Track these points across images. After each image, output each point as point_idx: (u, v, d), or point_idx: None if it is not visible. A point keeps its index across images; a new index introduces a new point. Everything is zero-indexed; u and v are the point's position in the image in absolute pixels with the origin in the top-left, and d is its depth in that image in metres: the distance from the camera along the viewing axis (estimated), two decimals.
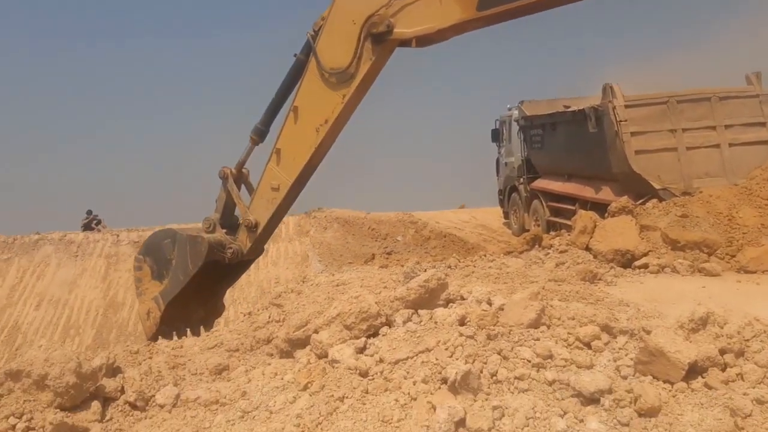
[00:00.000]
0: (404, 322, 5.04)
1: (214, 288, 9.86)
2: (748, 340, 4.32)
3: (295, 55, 8.79)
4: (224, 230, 9.42)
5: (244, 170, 9.64)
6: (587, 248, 10.18)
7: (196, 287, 9.10)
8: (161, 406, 4.89)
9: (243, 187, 9.72)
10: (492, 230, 21.86)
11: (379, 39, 7.92)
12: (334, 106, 8.38)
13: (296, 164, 8.85)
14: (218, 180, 9.63)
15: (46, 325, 16.16)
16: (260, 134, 9.33)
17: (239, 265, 9.90)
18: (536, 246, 12.42)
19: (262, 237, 9.54)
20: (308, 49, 8.56)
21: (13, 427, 4.43)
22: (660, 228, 9.67)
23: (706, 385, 3.95)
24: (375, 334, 5.02)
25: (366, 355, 4.74)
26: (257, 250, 9.81)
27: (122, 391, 4.99)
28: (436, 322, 4.92)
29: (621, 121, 11.62)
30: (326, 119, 8.45)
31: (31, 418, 4.48)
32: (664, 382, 3.99)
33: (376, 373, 4.49)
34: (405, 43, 8.02)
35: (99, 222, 23.10)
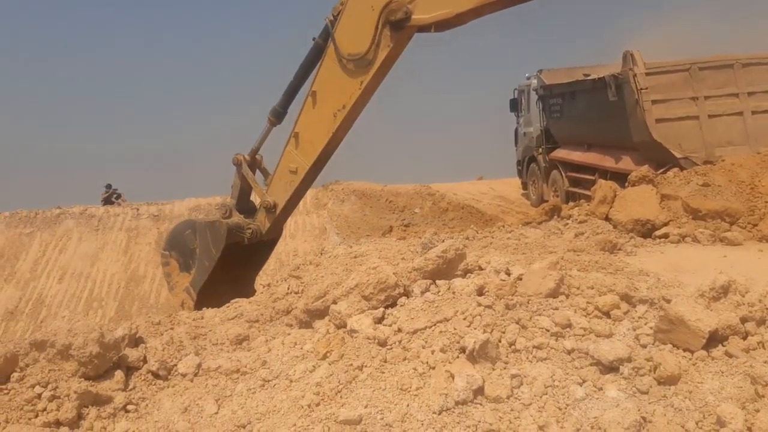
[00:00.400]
0: (422, 293, 5.05)
1: (242, 273, 10.02)
2: None
3: (313, 39, 8.76)
4: (241, 215, 9.53)
5: (257, 156, 9.71)
6: (607, 218, 10.11)
7: (225, 273, 9.26)
8: (183, 375, 4.96)
9: (258, 173, 9.82)
10: (510, 201, 21.76)
11: (398, 26, 7.83)
12: (351, 92, 8.35)
13: (314, 148, 8.88)
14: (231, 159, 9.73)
15: (69, 298, 16.42)
16: (278, 116, 9.38)
17: (263, 247, 10.06)
18: (555, 216, 12.35)
19: (280, 218, 9.64)
20: (326, 34, 8.51)
21: (39, 395, 4.51)
22: (681, 197, 9.56)
23: (727, 354, 3.92)
24: (393, 305, 5.04)
25: (384, 325, 4.76)
26: (276, 230, 9.91)
27: (145, 360, 5.06)
28: (454, 293, 4.92)
29: (642, 89, 11.44)
30: (344, 105, 8.43)
31: (56, 387, 4.56)
32: (684, 350, 3.97)
33: (395, 343, 4.51)
34: (423, 29, 7.93)
35: (119, 196, 23.29)
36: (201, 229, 9.47)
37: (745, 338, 4.05)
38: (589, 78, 14.43)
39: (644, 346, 4.09)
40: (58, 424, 4.40)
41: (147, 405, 4.73)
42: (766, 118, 11.37)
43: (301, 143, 9.00)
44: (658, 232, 9.24)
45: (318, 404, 4.15)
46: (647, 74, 11.53)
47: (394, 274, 5.17)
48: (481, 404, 3.76)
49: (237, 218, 9.45)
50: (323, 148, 8.82)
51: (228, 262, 9.26)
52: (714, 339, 4.00)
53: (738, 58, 11.71)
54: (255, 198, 10.00)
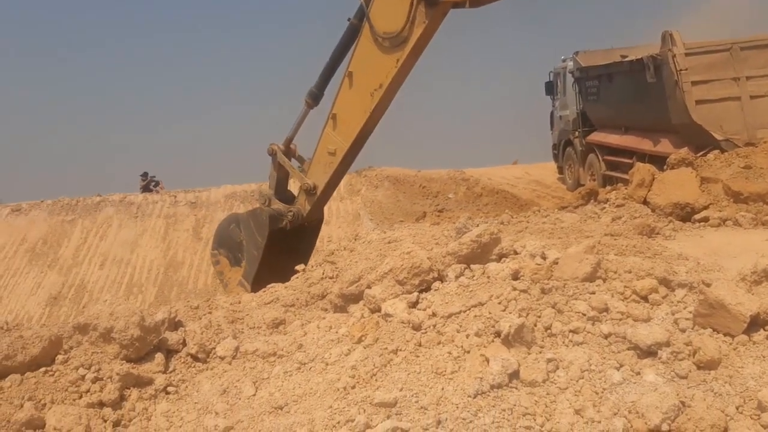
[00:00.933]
0: (456, 277, 5.04)
1: (291, 261, 10.25)
2: None
3: (348, 19, 8.75)
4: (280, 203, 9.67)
5: (292, 146, 9.79)
6: (645, 202, 9.94)
7: (274, 262, 9.36)
8: (221, 358, 5.05)
9: (294, 162, 9.92)
10: (546, 186, 21.53)
11: (432, 2, 7.78)
12: (388, 71, 8.33)
13: (352, 129, 8.91)
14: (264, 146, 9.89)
15: (110, 284, 16.79)
16: (315, 98, 9.43)
17: (308, 234, 10.20)
18: (592, 201, 12.19)
19: (320, 200, 9.71)
20: (361, 14, 8.50)
21: (83, 377, 4.64)
22: (722, 180, 9.36)
23: None
24: (427, 289, 5.04)
25: (418, 309, 4.77)
26: (317, 213, 10.00)
27: (184, 343, 5.16)
28: (488, 277, 4.90)
29: (681, 70, 11.19)
30: (380, 84, 8.42)
31: (99, 369, 4.69)
32: (725, 335, 3.90)
33: (429, 327, 4.52)
34: (458, 4, 7.86)
35: (157, 183, 23.66)
36: (244, 220, 9.70)
37: None
38: (626, 59, 14.15)
39: (683, 331, 4.02)
40: (101, 404, 4.53)
41: (187, 387, 4.83)
42: None
43: (339, 124, 9.03)
44: (697, 216, 9.06)
45: (353, 387, 4.19)
46: (687, 54, 11.28)
47: (428, 258, 5.17)
48: (516, 388, 3.75)
49: (277, 205, 9.57)
50: (361, 129, 8.83)
51: (275, 251, 9.38)
52: (755, 323, 3.92)
53: None
54: (292, 187, 10.12)
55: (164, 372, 4.92)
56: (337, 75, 9.23)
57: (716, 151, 10.54)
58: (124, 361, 4.79)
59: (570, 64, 18.15)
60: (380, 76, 8.40)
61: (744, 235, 8.04)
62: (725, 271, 5.34)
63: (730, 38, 11.52)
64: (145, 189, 23.12)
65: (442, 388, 3.90)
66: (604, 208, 10.36)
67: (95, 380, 4.63)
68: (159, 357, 4.98)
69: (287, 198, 9.90)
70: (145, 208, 19.69)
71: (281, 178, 9.87)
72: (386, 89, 8.41)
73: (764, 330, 3.90)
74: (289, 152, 9.76)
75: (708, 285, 4.34)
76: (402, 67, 8.26)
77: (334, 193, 20.11)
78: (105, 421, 4.40)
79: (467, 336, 4.25)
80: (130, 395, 4.66)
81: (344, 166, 9.37)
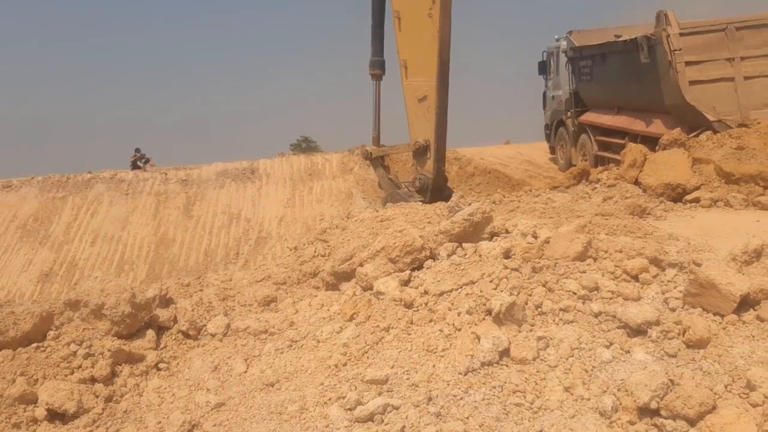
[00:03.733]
0: (448, 255, 5.05)
1: None
2: None
3: None
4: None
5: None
6: (636, 182, 9.95)
7: None
8: (213, 335, 5.06)
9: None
10: (538, 166, 21.49)
11: None
12: None
13: (429, 62, 8.72)
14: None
15: (101, 261, 16.71)
16: (381, 65, 9.31)
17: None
18: (583, 181, 12.20)
19: (438, 155, 9.55)
20: None
21: (74, 353, 4.64)
22: (714, 161, 9.37)
23: (759, 318, 3.86)
24: (419, 267, 5.05)
25: (410, 287, 4.78)
26: (440, 172, 9.82)
27: (175, 320, 5.16)
28: (480, 255, 4.91)
29: (675, 50, 11.13)
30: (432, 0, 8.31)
31: (91, 345, 4.69)
32: (714, 314, 3.92)
33: (421, 305, 4.53)
34: None
35: (147, 161, 23.46)
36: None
37: None
38: (620, 39, 14.06)
39: (673, 310, 4.05)
40: (93, 380, 4.53)
41: (178, 363, 4.84)
42: None
43: (414, 67, 8.85)
44: (688, 197, 9.08)
45: (345, 364, 4.20)
46: (681, 35, 11.21)
47: (420, 237, 5.17)
48: (506, 365, 3.78)
49: (405, 190, 9.57)
50: (438, 55, 8.62)
51: None
52: (745, 303, 3.95)
53: None
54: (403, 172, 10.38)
55: (155, 348, 4.93)
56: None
57: (709, 132, 10.54)
58: (116, 338, 4.80)
59: (563, 44, 18.03)
60: None
61: (735, 216, 8.08)
62: (716, 251, 5.36)
63: (726, 18, 11.45)
64: (134, 166, 22.95)
65: (434, 366, 3.92)
66: (596, 188, 10.38)
67: (87, 356, 4.63)
68: (150, 334, 4.98)
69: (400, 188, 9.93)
70: (136, 186, 19.55)
71: (388, 176, 9.88)
72: (441, 2, 8.26)
73: (754, 310, 3.93)
74: (378, 144, 9.73)
75: (698, 265, 4.36)
76: None
77: (327, 171, 20.09)
78: (97, 397, 4.41)
79: (459, 314, 4.26)
80: (121, 371, 4.67)
81: (442, 108, 9.10)
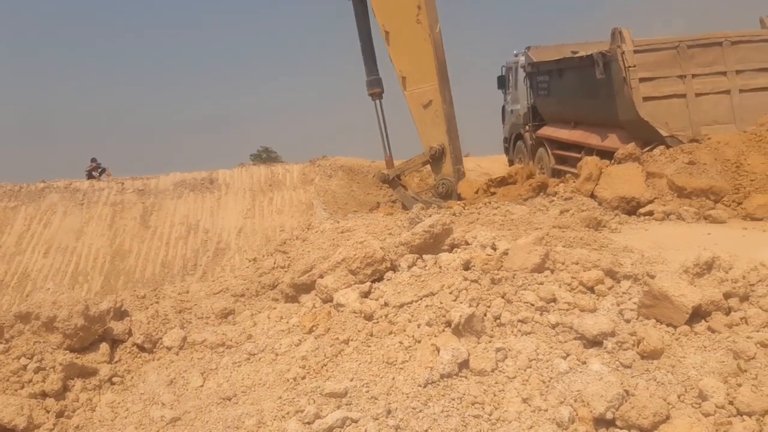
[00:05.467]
0: (409, 267, 5.06)
1: None
2: (753, 285, 4.32)
3: None
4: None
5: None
6: (592, 195, 10.13)
7: None
8: (168, 348, 4.97)
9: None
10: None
11: None
12: None
13: (426, 66, 8.85)
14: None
15: (54, 272, 16.30)
16: (379, 83, 9.46)
17: None
18: (541, 193, 12.35)
19: (455, 155, 9.88)
20: None
21: (25, 367, 4.50)
22: (666, 175, 9.59)
23: (710, 329, 3.96)
24: (380, 279, 5.05)
25: (371, 299, 4.77)
26: (460, 172, 10.18)
27: (130, 333, 5.06)
28: (440, 267, 4.93)
29: (629, 66, 11.37)
30: (417, 5, 8.42)
31: (42, 359, 4.56)
32: (668, 325, 4.01)
33: (381, 317, 4.53)
34: None
35: (103, 171, 23.03)
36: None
37: (728, 314, 4.10)
38: (577, 55, 14.34)
39: (628, 321, 4.12)
40: (44, 395, 4.41)
41: (132, 377, 4.74)
42: (754, 96, 11.35)
43: (412, 75, 8.95)
44: (642, 210, 9.28)
45: (303, 377, 4.17)
46: (635, 52, 11.46)
47: (381, 248, 5.17)
48: (465, 377, 3.79)
49: (432, 198, 9.70)
50: (435, 57, 8.72)
51: None
52: (697, 314, 4.05)
53: (727, 35, 11.66)
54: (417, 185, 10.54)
55: (109, 362, 4.82)
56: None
57: (662, 147, 10.78)
58: (68, 351, 4.67)
59: (522, 59, 18.30)
60: (411, 1, 8.41)
61: (687, 229, 8.28)
62: (669, 263, 5.48)
63: (678, 36, 11.76)
64: (89, 176, 22.49)
65: (393, 378, 3.91)
66: (553, 200, 10.52)
67: (38, 370, 4.50)
68: (104, 347, 4.87)
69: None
70: (92, 195, 19.15)
71: (412, 196, 10.09)
72: (425, 5, 8.38)
73: (705, 321, 4.03)
74: (392, 165, 9.78)
75: (652, 277, 4.46)
76: None
77: (287, 182, 19.97)
78: (48, 412, 4.29)
79: (418, 326, 4.27)
80: (73, 386, 4.55)
81: (449, 108, 9.36)
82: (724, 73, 11.45)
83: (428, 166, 10.85)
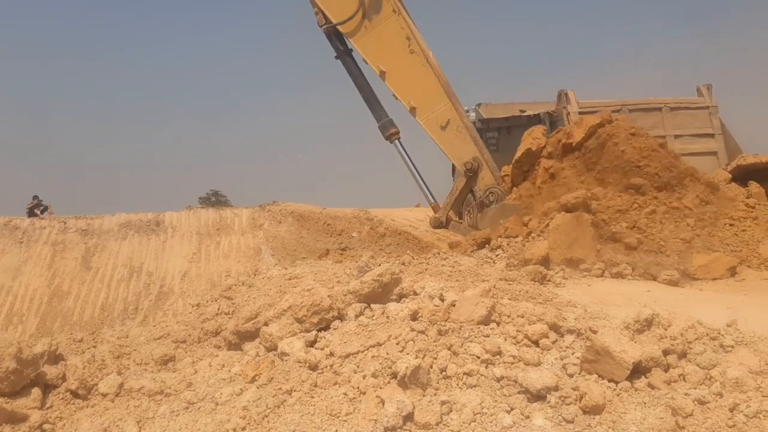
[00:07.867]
0: (356, 316, 5.03)
1: None
2: (690, 342, 4.43)
3: (336, 57, 9.04)
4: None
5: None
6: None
7: None
8: (104, 395, 4.78)
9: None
10: (446, 230, 21.92)
11: None
12: (395, 27, 8.65)
13: (433, 90, 9.08)
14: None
15: None
16: (393, 123, 9.62)
17: None
18: (486, 246, 12.51)
19: (491, 164, 10.41)
20: (337, 39, 8.78)
21: None
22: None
23: (650, 385, 4.04)
24: (326, 328, 5.00)
25: (316, 349, 4.71)
26: (498, 178, 10.63)
27: (64, 378, 4.86)
28: (388, 317, 4.92)
29: None
30: (406, 36, 8.66)
31: None
32: (609, 380, 4.07)
33: (326, 367, 4.47)
34: None
35: (45, 209, 22.40)
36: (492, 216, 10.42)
37: (666, 370, 4.19)
38: (525, 114, 14.82)
39: (571, 376, 4.17)
40: None
41: (64, 425, 4.53)
42: (692, 160, 11.87)
43: (422, 104, 9.20)
44: (583, 266, 9.48)
45: (244, 428, 4.06)
46: (580, 113, 11.93)
47: (328, 296, 5.14)
48: (410, 430, 3.75)
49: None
50: (437, 77, 8.89)
51: None
52: (637, 370, 4.13)
53: (666, 101, 12.25)
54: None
55: (40, 408, 4.60)
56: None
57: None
58: None
59: (472, 115, 18.77)
60: (400, 35, 8.70)
61: (627, 286, 8.47)
62: (611, 318, 5.59)
63: (621, 99, 12.29)
64: (30, 213, 21.83)
65: (336, 431, 3.84)
66: (498, 254, 10.67)
67: None
68: (36, 392, 4.65)
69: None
70: (32, 234, 18.50)
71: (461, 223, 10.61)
72: (413, 35, 8.60)
73: (645, 377, 4.11)
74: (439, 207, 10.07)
75: (595, 332, 4.54)
76: (398, 10, 8.81)
77: (236, 227, 19.73)
78: None
79: (364, 377, 4.23)
80: None
81: (468, 124, 9.95)
82: (663, 137, 11.97)
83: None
